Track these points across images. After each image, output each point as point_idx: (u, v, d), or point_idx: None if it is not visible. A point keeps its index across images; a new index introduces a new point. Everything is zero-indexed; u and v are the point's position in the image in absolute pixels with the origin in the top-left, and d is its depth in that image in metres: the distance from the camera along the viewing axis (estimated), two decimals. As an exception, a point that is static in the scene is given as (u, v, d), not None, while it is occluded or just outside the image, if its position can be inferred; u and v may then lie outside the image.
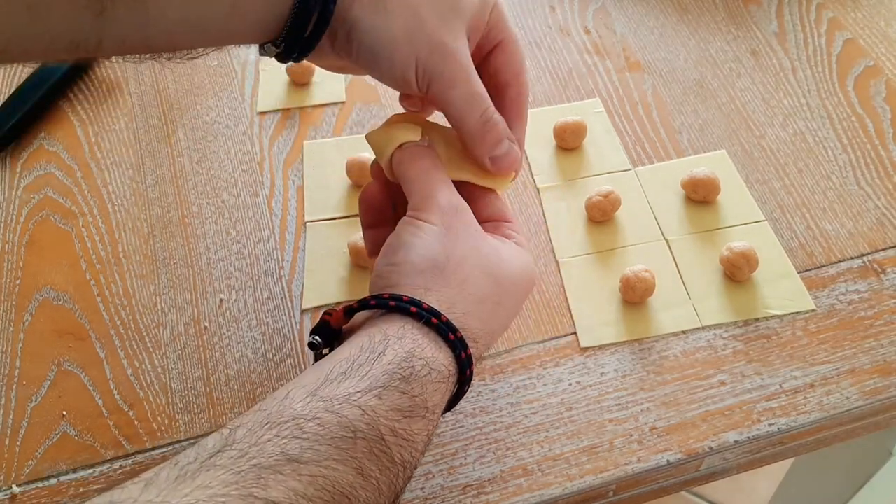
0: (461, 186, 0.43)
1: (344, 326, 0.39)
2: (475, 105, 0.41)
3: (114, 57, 0.39)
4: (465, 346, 0.36)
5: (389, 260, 0.38)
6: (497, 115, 0.42)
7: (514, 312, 0.42)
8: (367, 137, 0.44)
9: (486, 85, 0.42)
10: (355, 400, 0.32)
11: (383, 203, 0.44)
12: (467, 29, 0.41)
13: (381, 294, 0.37)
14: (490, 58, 0.44)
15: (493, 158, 0.42)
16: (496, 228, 0.42)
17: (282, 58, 0.41)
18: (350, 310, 0.37)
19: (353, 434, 0.31)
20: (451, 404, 0.38)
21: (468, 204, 0.42)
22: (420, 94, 0.41)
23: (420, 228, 0.38)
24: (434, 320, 0.35)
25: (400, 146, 0.42)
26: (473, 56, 0.42)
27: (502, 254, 0.40)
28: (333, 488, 0.30)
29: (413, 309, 0.35)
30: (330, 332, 0.38)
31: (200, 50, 0.40)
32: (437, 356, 0.35)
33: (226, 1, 0.37)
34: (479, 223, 0.41)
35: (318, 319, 0.51)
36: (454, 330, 0.36)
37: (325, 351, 0.39)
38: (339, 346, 0.38)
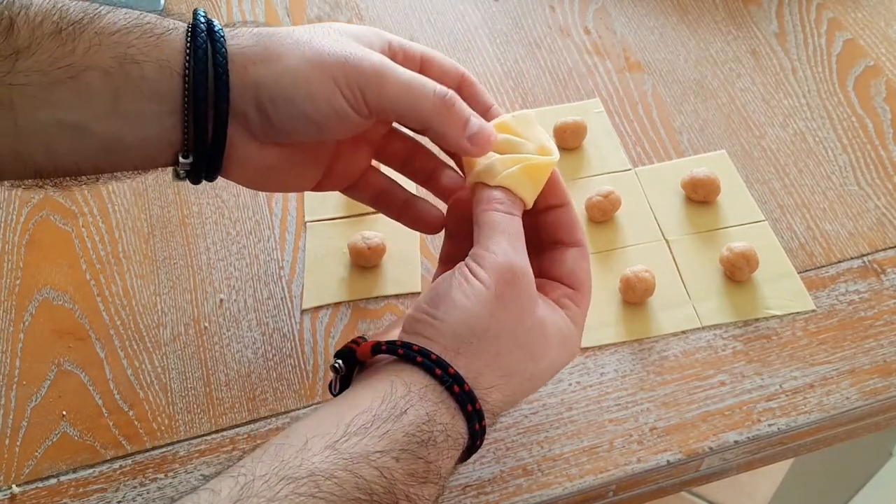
0: (539, 233, 0.41)
1: (370, 360, 0.38)
2: (420, 87, 0.38)
3: None
4: (481, 418, 0.35)
5: (430, 310, 0.36)
6: (449, 90, 0.39)
7: (543, 384, 0.40)
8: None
9: None
10: (374, 460, 0.31)
11: (469, 216, 0.42)
12: (364, 45, 0.39)
13: (410, 344, 0.35)
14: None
15: (470, 138, 0.39)
16: (554, 291, 0.40)
17: (195, 174, 0.39)
18: (377, 349, 0.36)
19: (370, 497, 0.31)
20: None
21: (541, 253, 0.41)
22: (364, 118, 0.39)
23: (471, 286, 0.36)
24: (456, 388, 0.34)
25: (482, 184, 0.39)
26: None
27: (547, 330, 0.38)
28: None
29: (438, 371, 0.34)
30: (354, 360, 0.37)
31: (91, 177, 0.38)
32: (454, 424, 0.34)
33: (104, 96, 0.35)
34: (545, 276, 0.40)
35: (317, 319, 0.51)
36: (474, 401, 0.35)
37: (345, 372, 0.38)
38: (360, 372, 0.37)
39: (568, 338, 0.39)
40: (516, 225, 0.38)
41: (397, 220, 0.47)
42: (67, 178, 0.38)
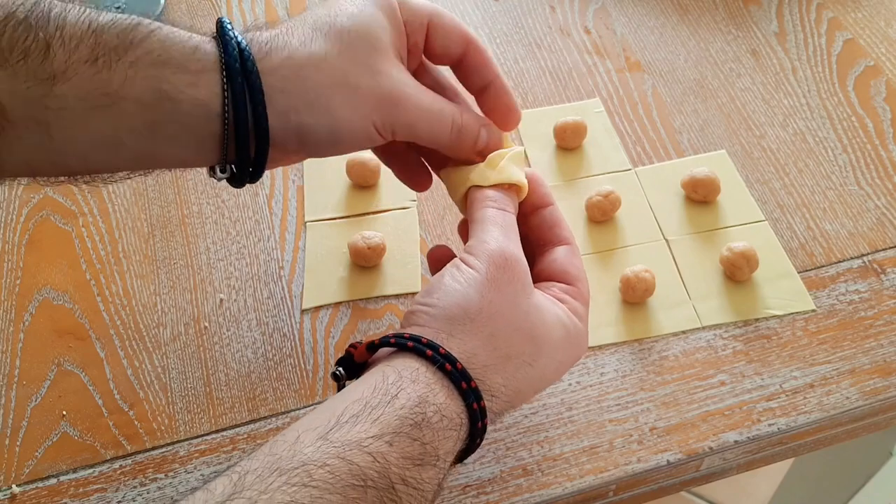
0: (529, 239, 0.42)
1: (369, 360, 0.38)
2: (441, 124, 0.41)
3: (25, 179, 0.38)
4: (478, 398, 0.35)
5: (424, 299, 0.37)
6: (465, 116, 0.41)
7: (551, 377, 0.40)
8: (442, 175, 0.44)
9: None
10: (366, 446, 0.31)
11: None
12: (394, 51, 0.40)
13: (402, 333, 0.36)
14: (431, 40, 0.42)
15: (479, 153, 0.42)
16: (550, 289, 0.40)
17: (235, 181, 0.40)
18: (372, 345, 0.37)
19: (364, 483, 0.31)
20: (462, 456, 0.37)
21: (532, 259, 0.41)
22: (386, 140, 0.41)
23: (462, 272, 0.37)
24: (448, 366, 0.34)
25: (476, 187, 0.41)
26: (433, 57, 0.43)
27: (545, 315, 0.38)
28: None
29: (429, 353, 0.35)
30: (353, 364, 0.38)
31: (124, 174, 0.39)
32: (449, 403, 0.34)
33: (140, 123, 0.36)
34: (539, 279, 0.40)
35: (317, 319, 0.51)
36: (468, 379, 0.35)
37: (346, 383, 0.38)
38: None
39: (572, 332, 0.39)
40: (509, 219, 0.40)
41: (388, 164, 0.47)
42: (99, 176, 0.39)
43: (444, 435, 0.34)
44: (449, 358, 0.35)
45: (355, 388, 0.34)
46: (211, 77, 0.37)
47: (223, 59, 0.37)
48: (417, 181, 0.47)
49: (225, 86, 0.37)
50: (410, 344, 0.35)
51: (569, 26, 0.68)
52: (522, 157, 0.43)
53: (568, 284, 0.41)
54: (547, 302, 0.39)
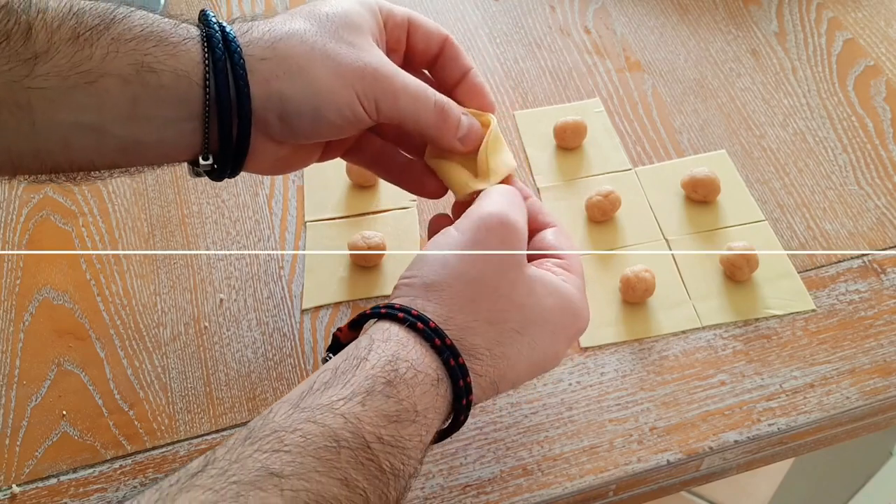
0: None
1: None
2: (424, 100, 0.41)
3: (4, 177, 0.38)
4: (455, 354, 0.35)
5: (405, 273, 0.38)
6: (445, 98, 0.42)
7: (545, 347, 0.39)
8: (430, 162, 0.44)
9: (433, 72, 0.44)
10: (338, 408, 0.31)
11: None
12: (372, 38, 0.41)
13: (378, 304, 0.36)
14: (412, 40, 0.44)
15: (461, 140, 0.42)
16: (542, 265, 0.40)
17: (218, 173, 0.40)
18: (354, 323, 0.37)
19: (337, 444, 0.30)
20: (456, 418, 0.37)
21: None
22: (372, 121, 0.41)
23: (445, 237, 0.37)
24: (420, 325, 0.35)
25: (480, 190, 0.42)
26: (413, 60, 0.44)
27: (535, 286, 0.38)
28: (317, 502, 0.29)
29: (401, 315, 0.35)
30: (341, 347, 0.37)
31: (106, 172, 0.39)
32: (423, 359, 0.34)
33: (122, 101, 0.36)
34: (529, 260, 0.40)
35: (317, 319, 0.51)
36: (442, 336, 0.35)
37: None
38: None
39: (566, 301, 0.39)
40: (513, 192, 0.40)
41: (397, 184, 0.48)
42: (82, 173, 0.39)
43: (421, 390, 0.34)
44: (421, 318, 0.35)
45: (332, 360, 0.35)
46: (192, 46, 0.37)
47: (203, 31, 0.37)
48: (431, 191, 0.47)
49: (206, 55, 0.37)
50: (384, 311, 0.35)
51: (569, 26, 0.68)
52: (500, 135, 0.44)
53: (558, 259, 0.41)
54: (540, 273, 0.39)
